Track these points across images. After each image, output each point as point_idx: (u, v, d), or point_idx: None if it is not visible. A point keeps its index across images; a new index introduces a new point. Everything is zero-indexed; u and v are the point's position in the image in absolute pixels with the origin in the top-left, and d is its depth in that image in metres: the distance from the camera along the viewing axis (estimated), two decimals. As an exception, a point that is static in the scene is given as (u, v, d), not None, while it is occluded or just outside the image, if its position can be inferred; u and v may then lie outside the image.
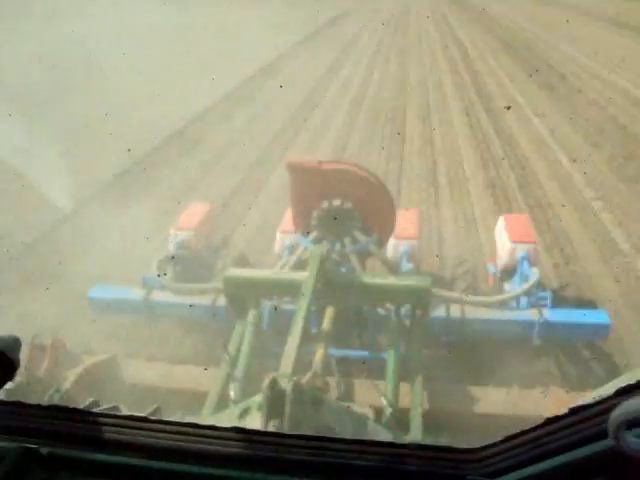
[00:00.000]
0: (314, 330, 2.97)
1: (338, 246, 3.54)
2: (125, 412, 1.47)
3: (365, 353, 3.38)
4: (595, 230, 6.00)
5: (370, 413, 2.39)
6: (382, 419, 2.58)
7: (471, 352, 3.61)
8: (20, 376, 2.69)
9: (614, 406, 0.75)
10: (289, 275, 3.25)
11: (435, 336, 3.55)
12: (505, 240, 3.99)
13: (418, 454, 0.92)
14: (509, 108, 9.31)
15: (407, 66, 15.63)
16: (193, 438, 0.96)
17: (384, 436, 2.21)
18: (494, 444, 0.89)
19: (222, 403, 2.73)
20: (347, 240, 3.56)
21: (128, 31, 16.22)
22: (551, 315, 3.43)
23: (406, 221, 4.18)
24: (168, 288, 3.74)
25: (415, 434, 2.61)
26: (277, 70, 14.99)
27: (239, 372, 2.81)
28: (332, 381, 2.73)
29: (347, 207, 3.54)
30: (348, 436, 1.93)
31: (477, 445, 0.92)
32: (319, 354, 2.59)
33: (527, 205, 6.71)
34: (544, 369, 3.81)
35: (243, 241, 5.74)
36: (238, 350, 2.99)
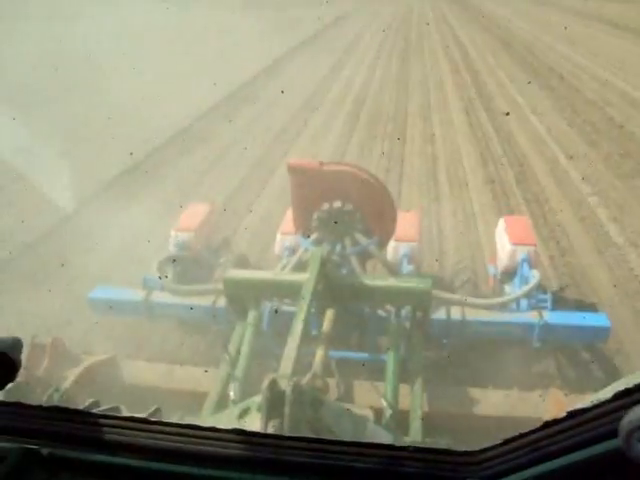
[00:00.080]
0: (314, 331, 2.98)
1: (339, 248, 3.54)
2: (125, 413, 1.48)
3: (365, 355, 3.38)
4: (590, 224, 6.19)
5: (370, 414, 2.39)
6: (382, 421, 2.59)
7: (471, 354, 3.62)
8: (20, 376, 2.70)
9: (613, 410, 0.75)
10: (289, 276, 3.25)
11: (435, 338, 3.55)
12: (505, 242, 3.99)
13: (417, 456, 0.92)
14: (508, 114, 9.38)
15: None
16: (193, 440, 0.96)
17: (384, 438, 2.21)
18: (493, 447, 0.89)
19: (222, 403, 2.73)
20: (348, 242, 3.56)
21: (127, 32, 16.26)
22: (551, 317, 3.43)
23: (407, 223, 4.18)
24: (168, 289, 3.75)
25: (415, 436, 2.61)
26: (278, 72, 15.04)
27: (239, 373, 2.81)
28: (332, 382, 2.73)
29: (348, 209, 3.54)
30: (347, 437, 1.93)
31: (476, 447, 0.92)
32: (319, 355, 2.59)
33: (524, 200, 6.87)
34: (544, 371, 3.82)
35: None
36: (238, 351, 2.99)
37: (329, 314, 2.94)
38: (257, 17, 22.75)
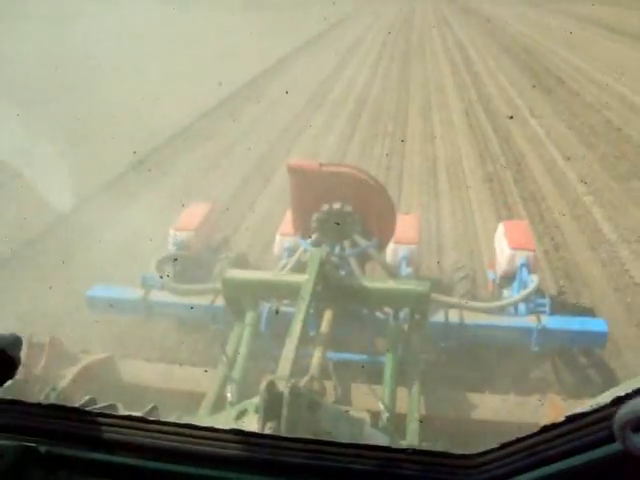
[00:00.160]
0: (312, 333, 2.98)
1: (338, 249, 3.54)
2: (122, 411, 1.47)
3: (363, 357, 3.38)
4: (585, 222, 6.43)
5: (367, 417, 2.39)
6: (379, 423, 2.58)
7: (468, 357, 3.62)
8: (18, 373, 2.69)
9: (611, 414, 0.75)
10: (288, 277, 3.25)
11: (433, 341, 3.55)
12: (504, 247, 4.00)
13: (414, 459, 0.92)
14: (512, 117, 9.45)
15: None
16: (190, 439, 0.96)
17: (381, 440, 2.21)
18: (490, 451, 0.89)
19: (219, 405, 2.73)
20: (347, 243, 3.56)
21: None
22: (549, 322, 3.44)
23: (406, 226, 4.19)
24: (167, 288, 3.75)
25: (412, 439, 2.61)
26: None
27: (236, 374, 2.81)
28: (329, 385, 2.72)
29: (347, 210, 3.55)
30: (345, 440, 1.93)
31: (473, 450, 0.92)
32: (317, 357, 2.58)
33: (521, 198, 7.12)
34: (541, 376, 3.83)
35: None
36: (236, 352, 2.99)
37: (327, 315, 2.94)
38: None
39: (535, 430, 0.86)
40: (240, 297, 3.19)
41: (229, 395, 2.72)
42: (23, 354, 2.76)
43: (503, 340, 3.54)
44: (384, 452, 0.95)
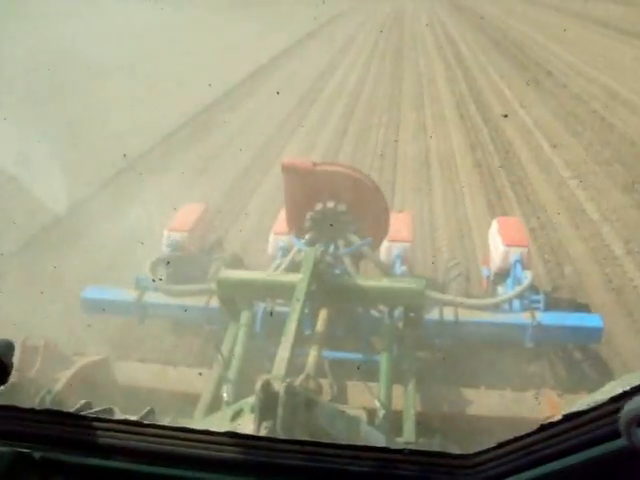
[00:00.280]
0: (307, 332, 2.97)
1: (332, 248, 3.53)
2: (119, 414, 1.47)
3: (358, 355, 3.38)
4: (569, 203, 6.79)
5: (363, 415, 2.39)
6: (375, 421, 2.59)
7: (464, 354, 3.63)
8: (12, 377, 2.68)
9: (608, 412, 0.75)
10: (282, 277, 3.25)
11: (428, 338, 3.56)
12: (498, 243, 4.00)
13: (412, 459, 0.92)
14: (506, 116, 9.77)
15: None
16: (186, 443, 0.95)
17: (377, 438, 2.21)
18: (487, 450, 0.89)
19: (215, 405, 2.73)
20: (341, 242, 3.56)
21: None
22: (544, 318, 3.44)
23: (400, 224, 4.19)
24: (161, 289, 3.73)
25: (408, 436, 2.62)
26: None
27: (232, 374, 2.80)
28: (325, 383, 2.72)
29: (341, 209, 3.54)
30: (341, 438, 1.93)
31: (468, 446, 0.92)
32: (312, 356, 2.58)
33: (509, 182, 7.47)
34: (537, 371, 3.84)
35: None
36: (231, 352, 2.98)
37: (322, 315, 2.94)
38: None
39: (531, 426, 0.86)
40: (235, 297, 3.19)
41: (225, 395, 2.72)
42: (17, 358, 2.76)
43: (498, 337, 3.55)
44: (381, 453, 0.95)
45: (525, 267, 3.81)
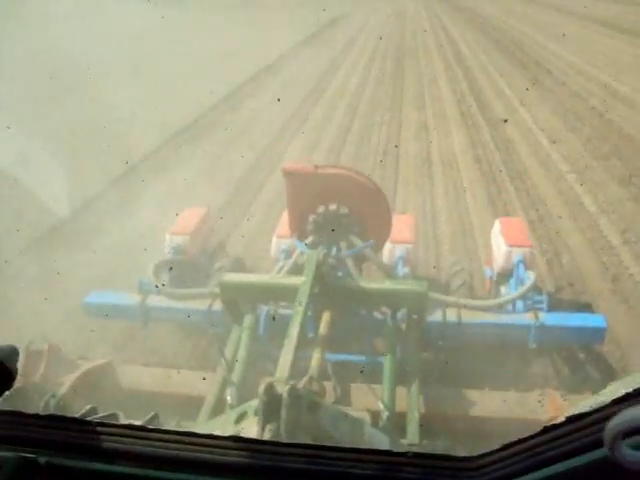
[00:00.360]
0: (311, 334, 2.98)
1: (334, 250, 3.54)
2: (123, 419, 1.47)
3: (362, 357, 3.38)
4: (567, 196, 6.98)
5: (367, 417, 2.39)
6: (379, 423, 2.58)
7: (467, 355, 3.62)
8: (16, 381, 2.68)
9: (611, 414, 0.75)
10: (285, 280, 3.25)
11: (432, 340, 3.55)
12: (501, 244, 4.00)
13: (415, 462, 0.92)
14: (506, 121, 9.89)
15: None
16: (191, 447, 0.96)
17: (381, 440, 2.21)
18: (491, 452, 0.89)
19: (219, 408, 2.73)
20: (343, 244, 3.56)
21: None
22: (547, 319, 3.44)
23: (402, 225, 4.19)
24: (164, 293, 3.74)
25: (412, 438, 2.61)
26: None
27: (236, 377, 2.80)
28: (329, 385, 2.72)
29: (343, 212, 3.55)
30: (345, 440, 1.93)
31: (471, 447, 0.92)
32: (315, 358, 2.58)
33: (509, 177, 7.67)
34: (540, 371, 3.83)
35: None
36: (235, 355, 2.98)
37: (325, 317, 2.94)
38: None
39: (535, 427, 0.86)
40: (238, 300, 3.19)
41: (229, 398, 2.72)
42: (21, 362, 2.77)
43: (501, 338, 3.54)
44: (384, 456, 0.95)
45: (528, 267, 3.80)
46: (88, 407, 1.39)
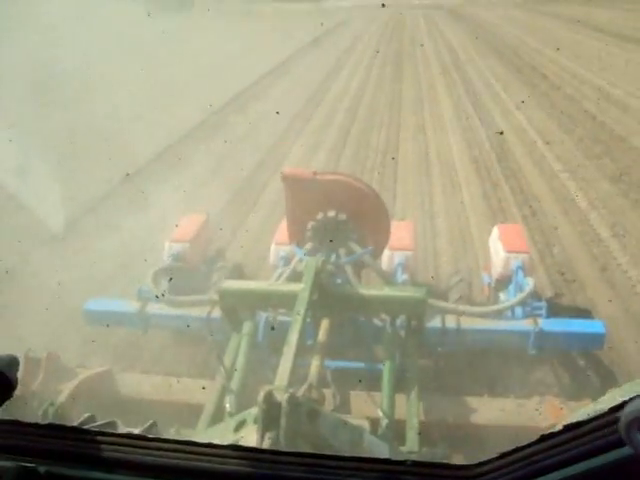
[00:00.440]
0: (310, 342, 2.97)
1: (333, 257, 3.53)
2: (122, 427, 1.47)
3: (361, 364, 3.38)
4: (559, 193, 7.28)
5: (366, 425, 2.39)
6: (378, 431, 2.58)
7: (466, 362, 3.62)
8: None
9: (609, 423, 0.75)
10: (284, 287, 3.25)
11: (431, 347, 3.55)
12: (499, 250, 4.00)
13: (414, 471, 0.92)
14: (502, 133, 10.00)
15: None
16: (190, 456, 0.96)
17: (380, 447, 2.21)
18: (489, 460, 0.89)
19: (218, 416, 2.72)
20: (342, 251, 3.56)
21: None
22: (546, 325, 3.44)
23: (401, 232, 4.19)
24: (163, 300, 3.73)
25: (411, 445, 2.61)
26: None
27: (235, 384, 2.80)
28: (328, 393, 2.72)
29: (342, 218, 3.54)
30: (344, 448, 1.93)
31: (471, 455, 0.93)
32: (315, 366, 2.58)
33: (503, 175, 7.97)
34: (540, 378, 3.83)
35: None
36: (234, 362, 2.98)
37: (324, 324, 2.94)
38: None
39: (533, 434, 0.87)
40: (237, 307, 3.19)
41: (228, 406, 2.71)
42: (19, 371, 2.77)
43: (500, 344, 3.54)
44: (383, 464, 0.95)
45: (527, 274, 3.81)
46: (86, 415, 1.39)
